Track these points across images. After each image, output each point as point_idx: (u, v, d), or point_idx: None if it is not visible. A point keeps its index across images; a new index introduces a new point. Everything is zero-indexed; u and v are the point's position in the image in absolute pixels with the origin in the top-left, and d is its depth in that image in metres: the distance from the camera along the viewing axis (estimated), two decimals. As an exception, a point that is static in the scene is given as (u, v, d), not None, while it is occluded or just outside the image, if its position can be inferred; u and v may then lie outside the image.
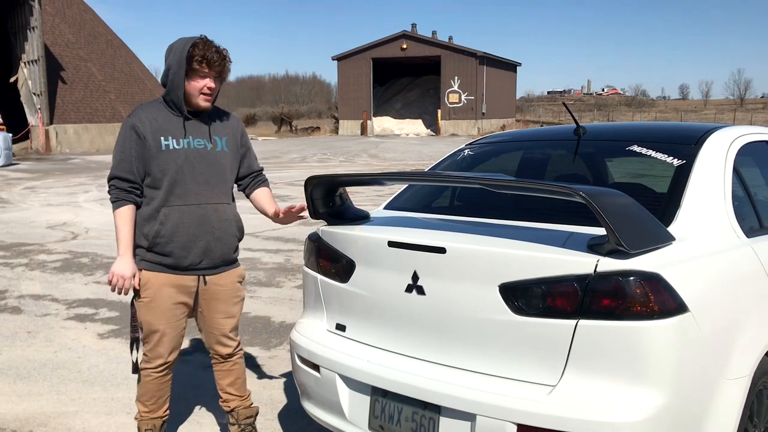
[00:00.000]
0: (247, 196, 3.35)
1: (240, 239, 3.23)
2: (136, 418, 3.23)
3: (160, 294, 3.03)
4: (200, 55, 2.91)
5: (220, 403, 3.39)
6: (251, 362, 4.58)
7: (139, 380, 3.16)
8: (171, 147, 2.97)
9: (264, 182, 3.36)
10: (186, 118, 3.02)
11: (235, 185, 3.29)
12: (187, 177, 3.00)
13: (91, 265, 7.65)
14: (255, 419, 3.38)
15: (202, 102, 2.99)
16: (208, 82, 2.96)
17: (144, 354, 3.14)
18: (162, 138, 2.97)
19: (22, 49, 28.83)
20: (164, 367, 3.13)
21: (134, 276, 2.97)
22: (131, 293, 3.06)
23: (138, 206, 3.02)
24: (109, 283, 2.96)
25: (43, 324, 5.47)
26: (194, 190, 3.01)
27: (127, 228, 2.97)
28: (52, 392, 4.11)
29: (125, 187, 2.99)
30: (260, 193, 3.31)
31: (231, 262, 3.20)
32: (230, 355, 3.29)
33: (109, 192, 3.05)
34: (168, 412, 3.25)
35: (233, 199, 3.22)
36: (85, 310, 5.89)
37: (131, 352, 3.11)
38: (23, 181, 17.43)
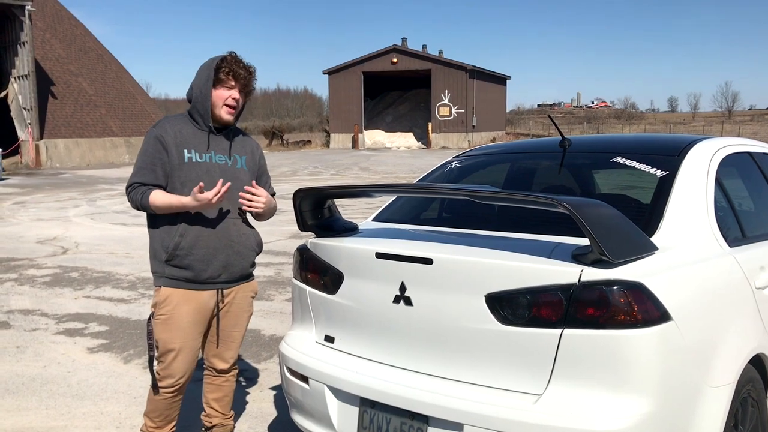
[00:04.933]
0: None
1: (258, 254, 3.24)
2: (141, 430, 3.23)
3: (178, 311, 3.03)
4: (227, 68, 3.00)
5: (202, 417, 3.38)
6: (241, 375, 4.58)
7: (156, 393, 3.11)
8: (194, 160, 3.02)
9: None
10: (211, 131, 3.06)
11: None
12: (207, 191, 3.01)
13: (81, 279, 7.63)
14: None
15: (225, 114, 3.04)
16: (233, 94, 3.03)
17: (157, 372, 3.12)
18: (185, 150, 3.02)
19: (12, 64, 28.83)
20: (175, 388, 3.10)
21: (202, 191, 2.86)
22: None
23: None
24: (208, 199, 2.85)
25: (33, 339, 5.45)
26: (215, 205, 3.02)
27: (169, 197, 2.94)
28: (41, 407, 4.10)
29: (146, 184, 3.00)
30: None
31: (247, 276, 3.21)
32: (225, 371, 3.30)
33: (129, 195, 3.03)
34: (174, 430, 3.24)
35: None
36: (74, 324, 5.87)
37: (150, 370, 3.11)
38: (13, 195, 17.37)
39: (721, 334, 2.51)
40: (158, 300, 3.06)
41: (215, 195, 2.86)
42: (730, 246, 2.80)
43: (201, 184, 2.86)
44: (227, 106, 3.03)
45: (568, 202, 2.24)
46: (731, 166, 3.23)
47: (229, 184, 2.92)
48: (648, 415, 2.18)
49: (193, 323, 3.06)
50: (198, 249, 3.00)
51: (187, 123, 3.09)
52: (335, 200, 3.10)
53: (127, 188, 3.07)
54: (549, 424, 2.19)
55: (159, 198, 2.96)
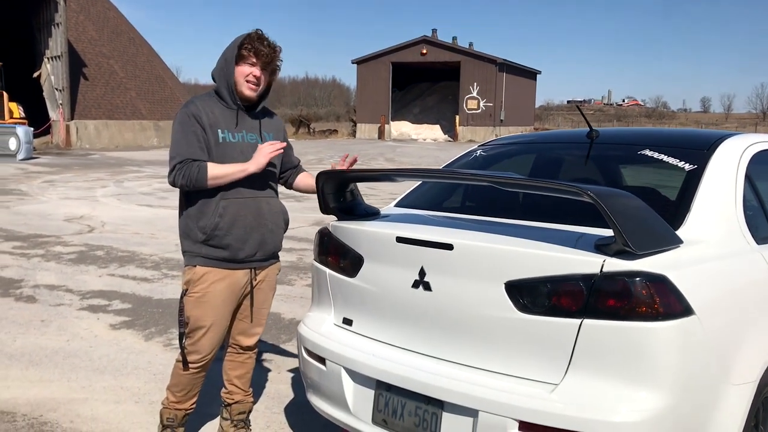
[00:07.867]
0: (290, 186, 3.39)
1: (285, 231, 3.30)
2: (162, 403, 3.27)
3: (213, 289, 3.05)
4: (250, 44, 3.00)
5: (223, 394, 3.41)
6: (260, 357, 4.61)
7: (185, 369, 3.14)
8: (227, 140, 3.03)
9: (303, 171, 3.43)
10: (239, 108, 3.07)
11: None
12: None
13: (105, 257, 7.74)
14: (248, 414, 3.41)
15: (246, 90, 3.04)
16: (254, 71, 3.02)
17: (185, 347, 3.14)
18: (219, 130, 3.02)
19: (45, 44, 29.20)
20: (201, 364, 3.14)
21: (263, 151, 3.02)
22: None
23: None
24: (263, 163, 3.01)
25: (57, 313, 5.54)
26: (248, 183, 3.04)
27: (228, 166, 2.98)
28: (63, 379, 4.17)
29: (197, 160, 2.96)
30: (302, 177, 3.37)
31: (277, 255, 3.27)
32: (250, 348, 3.34)
33: (181, 170, 2.93)
34: (194, 406, 3.28)
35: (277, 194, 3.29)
36: (98, 301, 5.95)
37: (180, 346, 3.13)
38: (42, 174, 17.63)
39: (745, 331, 2.46)
40: (192, 278, 3.06)
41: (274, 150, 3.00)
42: (758, 243, 2.74)
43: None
44: (248, 82, 3.02)
45: (593, 191, 2.21)
46: (762, 163, 3.16)
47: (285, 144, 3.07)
48: (665, 410, 2.15)
49: (226, 302, 3.10)
50: (236, 228, 3.03)
51: (216, 102, 3.08)
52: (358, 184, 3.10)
53: (176, 165, 2.95)
54: (564, 413, 2.17)
55: (217, 169, 2.95)
